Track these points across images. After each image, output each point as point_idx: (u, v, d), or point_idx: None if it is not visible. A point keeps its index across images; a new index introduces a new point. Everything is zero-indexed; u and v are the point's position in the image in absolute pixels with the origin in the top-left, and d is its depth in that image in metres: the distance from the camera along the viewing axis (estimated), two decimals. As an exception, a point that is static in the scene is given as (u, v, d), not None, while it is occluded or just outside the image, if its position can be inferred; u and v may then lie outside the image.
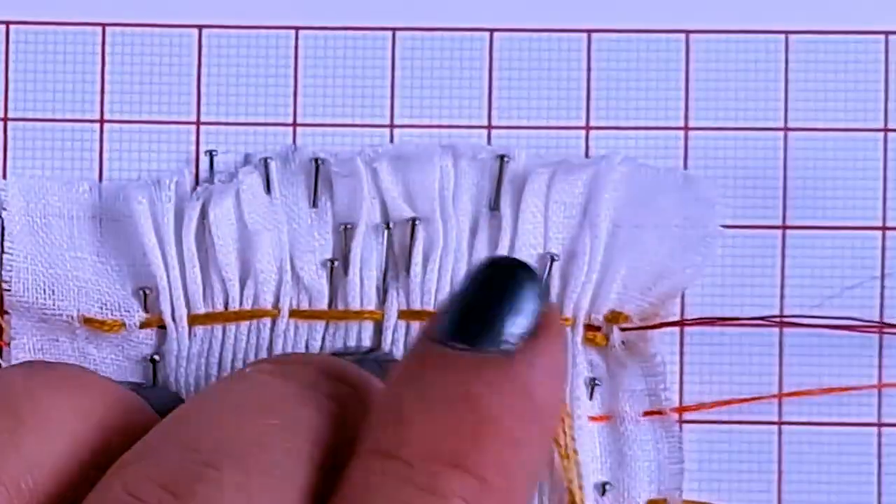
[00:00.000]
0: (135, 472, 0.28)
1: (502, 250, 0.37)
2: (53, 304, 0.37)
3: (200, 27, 0.38)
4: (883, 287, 0.37)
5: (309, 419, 0.30)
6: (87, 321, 0.37)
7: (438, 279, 0.37)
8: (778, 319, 0.37)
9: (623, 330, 0.37)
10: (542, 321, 0.28)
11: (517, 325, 0.28)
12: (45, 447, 0.29)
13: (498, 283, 0.28)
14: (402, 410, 0.28)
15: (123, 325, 0.37)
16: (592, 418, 0.37)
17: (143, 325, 0.37)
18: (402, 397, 0.28)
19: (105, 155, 0.38)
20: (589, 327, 0.37)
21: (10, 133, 0.38)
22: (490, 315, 0.28)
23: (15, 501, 0.28)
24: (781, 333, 0.37)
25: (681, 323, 0.37)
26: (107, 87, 0.38)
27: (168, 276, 0.37)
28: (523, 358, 0.28)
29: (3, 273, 0.37)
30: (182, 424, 0.30)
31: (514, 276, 0.28)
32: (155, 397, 0.35)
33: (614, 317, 0.37)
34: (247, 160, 0.38)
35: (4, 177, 0.38)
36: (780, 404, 0.37)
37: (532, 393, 0.28)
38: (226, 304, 0.37)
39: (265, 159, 0.37)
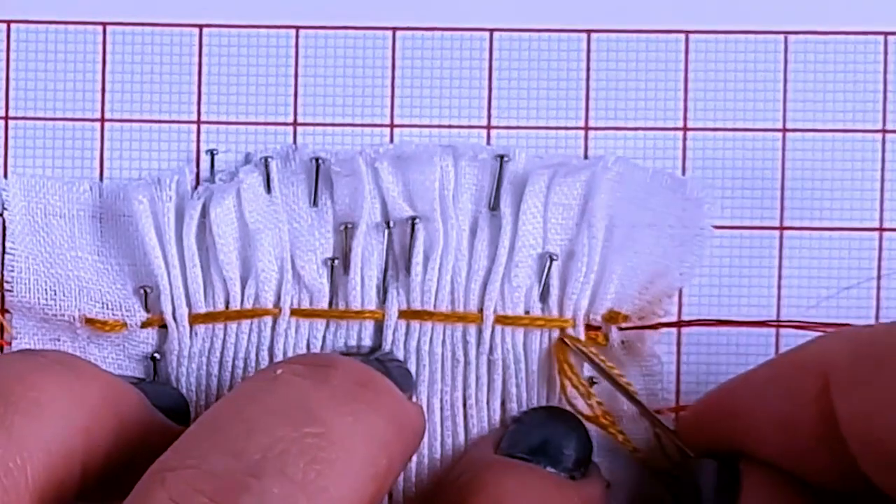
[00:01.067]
0: (179, 480, 0.28)
1: (502, 250, 0.37)
2: (55, 305, 0.37)
3: (201, 26, 0.38)
4: (879, 288, 0.37)
5: (346, 427, 0.30)
6: (89, 321, 0.37)
7: (439, 279, 0.37)
8: (775, 322, 0.37)
9: (621, 329, 0.37)
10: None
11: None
12: (34, 428, 0.30)
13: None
14: None
15: (125, 324, 0.37)
16: (590, 417, 0.37)
17: (144, 325, 0.37)
18: None
19: (106, 154, 0.38)
20: (588, 327, 0.37)
21: (10, 132, 0.38)
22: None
23: (4, 480, 0.29)
24: (778, 334, 0.37)
25: (678, 324, 0.37)
26: (107, 86, 0.38)
27: (169, 276, 0.37)
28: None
29: (5, 273, 0.37)
30: (221, 427, 0.30)
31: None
32: (155, 392, 0.35)
33: (613, 316, 0.37)
34: (247, 159, 0.38)
35: (5, 176, 0.38)
36: (776, 405, 0.37)
37: None
38: (227, 303, 0.37)
39: (266, 158, 0.38)
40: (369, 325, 0.37)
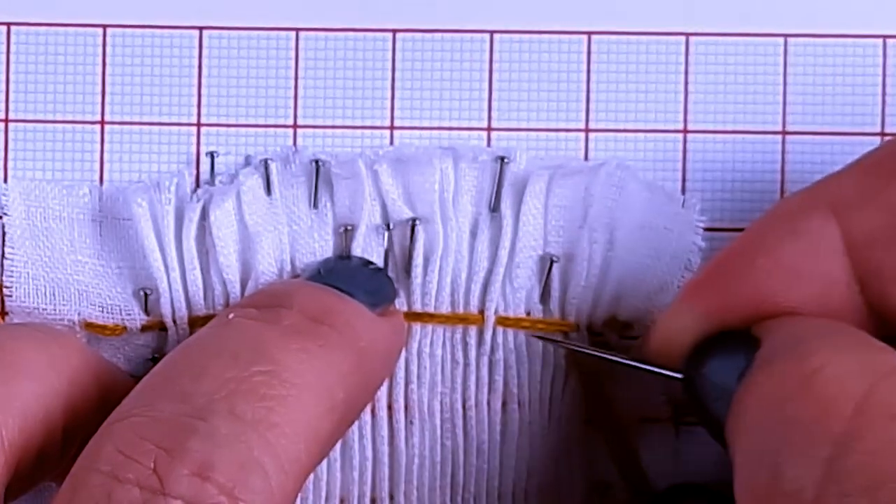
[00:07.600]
0: (126, 430, 0.28)
1: (503, 251, 0.37)
2: (54, 309, 0.37)
3: (201, 28, 0.38)
4: (879, 290, 0.38)
5: (297, 364, 0.30)
6: (89, 326, 0.37)
7: (439, 280, 0.37)
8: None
9: (622, 339, 0.37)
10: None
11: None
12: (10, 392, 0.30)
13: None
14: None
15: (125, 328, 0.37)
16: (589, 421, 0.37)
17: (144, 328, 0.37)
18: None
19: (106, 157, 0.38)
20: (589, 331, 0.37)
21: (10, 134, 0.38)
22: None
23: None
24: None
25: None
26: (107, 88, 0.38)
27: (168, 278, 0.37)
28: None
29: (5, 278, 0.37)
30: (169, 376, 0.30)
31: None
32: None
33: (613, 323, 0.37)
34: (247, 162, 0.38)
35: (5, 179, 0.38)
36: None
37: None
38: (226, 306, 0.37)
39: (266, 161, 0.38)
40: (370, 328, 0.37)
